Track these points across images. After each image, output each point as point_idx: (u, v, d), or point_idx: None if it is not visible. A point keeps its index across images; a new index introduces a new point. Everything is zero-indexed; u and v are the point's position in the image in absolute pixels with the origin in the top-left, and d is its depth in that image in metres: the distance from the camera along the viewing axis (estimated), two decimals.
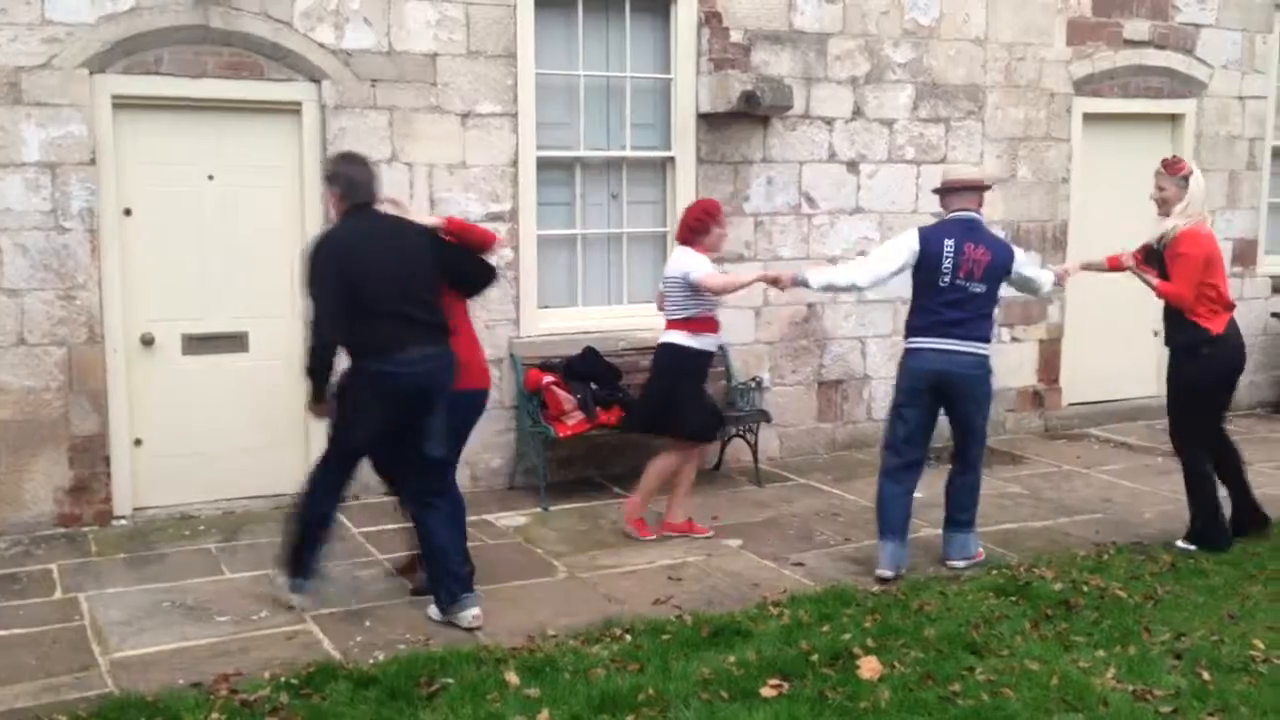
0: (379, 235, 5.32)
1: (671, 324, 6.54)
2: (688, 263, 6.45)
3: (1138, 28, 9.58)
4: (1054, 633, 5.17)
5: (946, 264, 5.99)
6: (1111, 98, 9.64)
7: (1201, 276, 6.31)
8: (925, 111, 8.85)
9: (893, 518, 6.10)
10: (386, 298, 5.19)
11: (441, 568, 5.38)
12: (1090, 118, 9.54)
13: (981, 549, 6.32)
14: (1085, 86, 9.46)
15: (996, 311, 6.45)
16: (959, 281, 5.98)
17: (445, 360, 5.36)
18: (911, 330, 6.14)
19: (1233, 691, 4.54)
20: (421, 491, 5.43)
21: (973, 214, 6.12)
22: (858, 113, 8.63)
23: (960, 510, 6.25)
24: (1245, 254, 10.31)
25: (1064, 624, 5.27)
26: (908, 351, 6.14)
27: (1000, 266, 6.05)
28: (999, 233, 6.30)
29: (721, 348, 8.25)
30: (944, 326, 6.00)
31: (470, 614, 5.31)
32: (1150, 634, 5.15)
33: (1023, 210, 9.28)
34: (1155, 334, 10.40)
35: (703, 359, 6.59)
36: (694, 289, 6.42)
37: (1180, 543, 6.48)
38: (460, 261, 5.56)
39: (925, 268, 6.04)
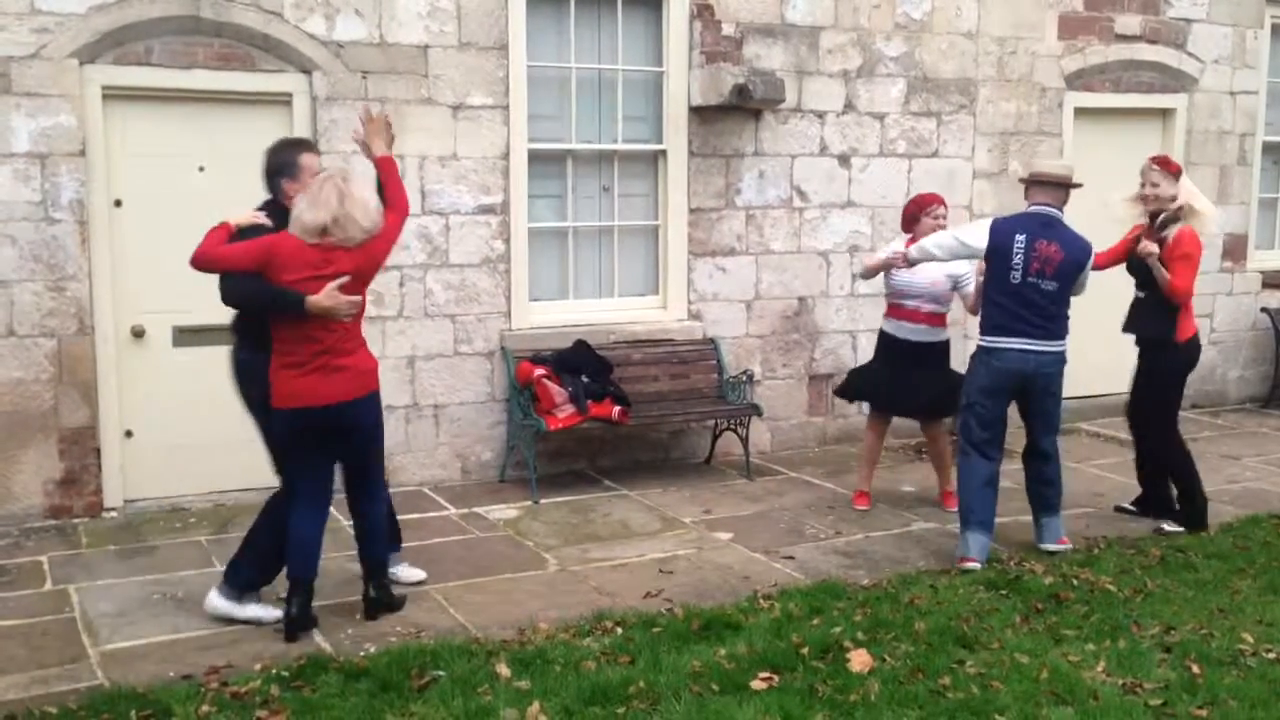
0: None
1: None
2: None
3: (1129, 22, 9.60)
4: (1044, 626, 5.18)
5: (1017, 260, 5.99)
6: (1103, 92, 9.65)
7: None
8: (917, 105, 8.86)
9: (976, 508, 6.12)
10: None
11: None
12: (1082, 112, 9.55)
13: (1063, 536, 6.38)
14: (1076, 81, 9.47)
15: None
16: (1030, 279, 5.98)
17: None
18: (990, 328, 6.12)
19: (1222, 685, 4.56)
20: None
21: (1051, 209, 6.10)
22: (849, 106, 8.63)
23: (1047, 495, 6.36)
24: (1235, 249, 10.34)
25: (1054, 617, 5.29)
26: (987, 350, 6.13)
27: (1074, 264, 6.03)
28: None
29: (714, 340, 8.29)
30: (1024, 326, 6.01)
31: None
32: (1140, 627, 5.17)
33: (1014, 204, 9.21)
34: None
35: None
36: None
37: (1167, 525, 6.75)
38: None
39: (996, 262, 6.08)
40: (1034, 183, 6.20)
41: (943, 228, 6.78)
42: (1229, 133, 10.18)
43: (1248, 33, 10.12)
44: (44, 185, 6.55)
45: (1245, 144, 10.27)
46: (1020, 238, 6.01)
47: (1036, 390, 6.12)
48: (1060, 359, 6.13)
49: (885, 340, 7.08)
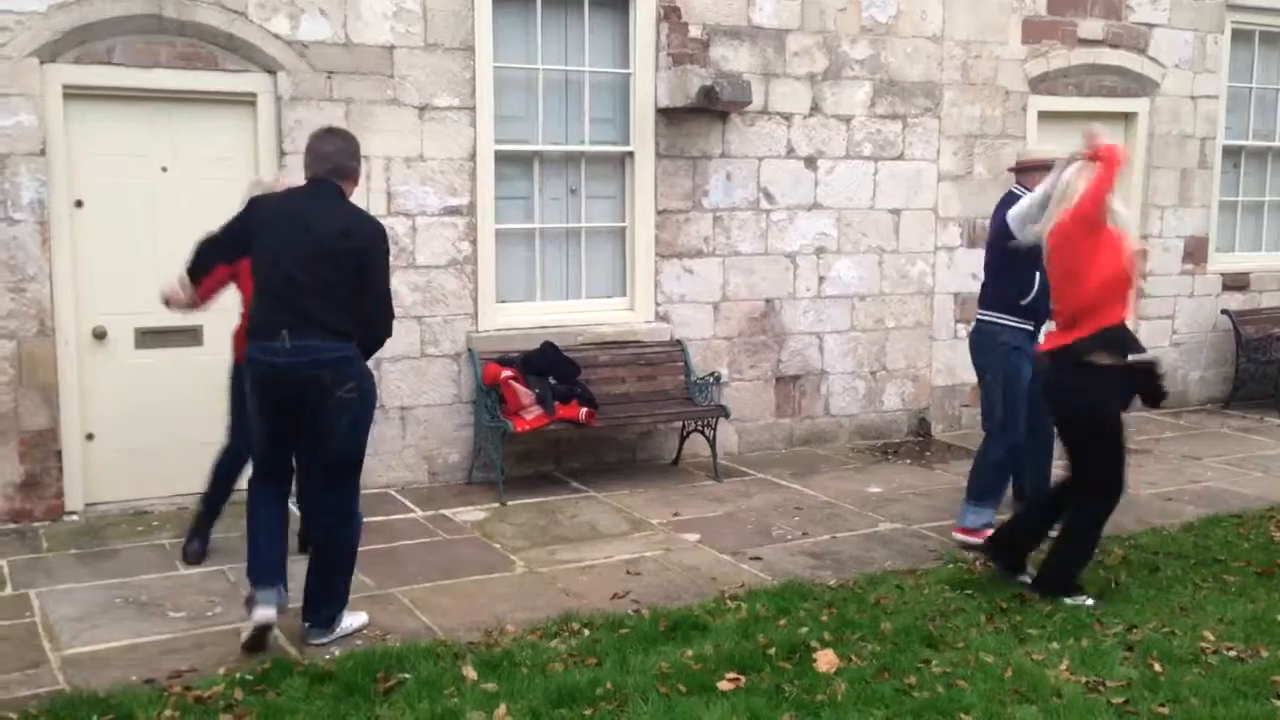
0: (304, 210, 4.86)
1: None
2: None
3: (1092, 27, 9.69)
4: (1008, 625, 5.22)
5: None
6: (1066, 96, 9.73)
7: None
8: (883, 108, 8.90)
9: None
10: (276, 274, 4.80)
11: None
12: (1045, 115, 9.62)
13: (976, 529, 6.32)
14: (1040, 85, 9.55)
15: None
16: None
17: (330, 356, 4.78)
18: None
19: (1183, 682, 4.60)
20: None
21: (1014, 189, 6.48)
22: (816, 109, 8.66)
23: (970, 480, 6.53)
24: (1196, 252, 10.45)
25: (1018, 617, 5.32)
26: None
27: (995, 232, 6.34)
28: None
29: (681, 342, 8.29)
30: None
31: None
32: (1102, 626, 5.21)
33: (978, 207, 9.33)
34: None
35: None
36: None
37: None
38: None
39: None
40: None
41: None
42: (1190, 136, 10.29)
43: (1208, 38, 10.24)
44: (4, 185, 6.46)
45: (1206, 147, 10.38)
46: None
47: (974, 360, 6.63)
48: (978, 328, 6.47)
49: None
